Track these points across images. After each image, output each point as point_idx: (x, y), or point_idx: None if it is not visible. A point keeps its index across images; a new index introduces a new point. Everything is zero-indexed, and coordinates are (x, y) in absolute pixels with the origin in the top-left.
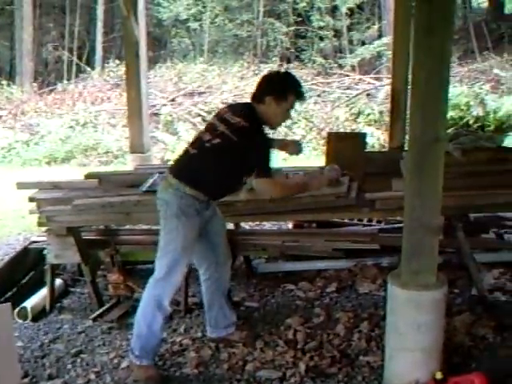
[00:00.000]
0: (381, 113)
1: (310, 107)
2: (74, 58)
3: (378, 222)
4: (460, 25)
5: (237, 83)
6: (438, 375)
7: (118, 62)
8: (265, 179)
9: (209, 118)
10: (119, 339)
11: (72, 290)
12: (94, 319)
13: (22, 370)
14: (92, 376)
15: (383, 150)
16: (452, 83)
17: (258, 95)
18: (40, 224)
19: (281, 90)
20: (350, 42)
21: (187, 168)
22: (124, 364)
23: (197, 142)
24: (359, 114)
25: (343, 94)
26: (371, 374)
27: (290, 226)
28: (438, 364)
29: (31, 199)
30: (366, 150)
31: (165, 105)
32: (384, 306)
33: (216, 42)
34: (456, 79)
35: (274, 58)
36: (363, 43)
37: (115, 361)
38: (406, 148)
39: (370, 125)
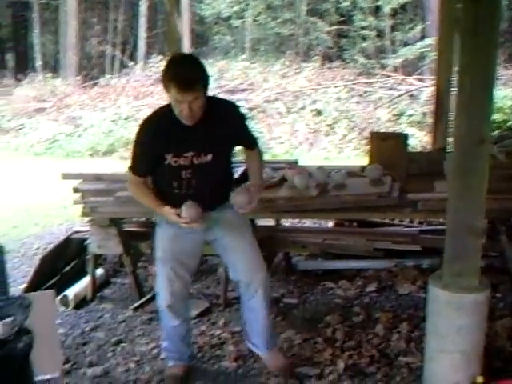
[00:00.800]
0: (423, 114)
1: (351, 107)
2: (117, 53)
3: (420, 223)
4: (505, 27)
5: (278, 81)
6: (479, 379)
7: (160, 57)
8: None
9: (250, 115)
10: (159, 330)
11: (113, 280)
12: (135, 309)
13: (64, 355)
14: (132, 365)
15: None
16: (497, 86)
17: None
18: (84, 214)
19: (163, 78)
20: (393, 42)
21: None
22: (163, 355)
23: None
24: (401, 114)
25: (385, 95)
26: (410, 375)
27: (331, 224)
28: (478, 368)
29: (75, 190)
30: (409, 151)
31: None
32: (424, 308)
33: (258, 39)
34: (501, 82)
35: (315, 57)
36: (406, 44)
37: (154, 351)
38: (449, 149)
39: (411, 126)
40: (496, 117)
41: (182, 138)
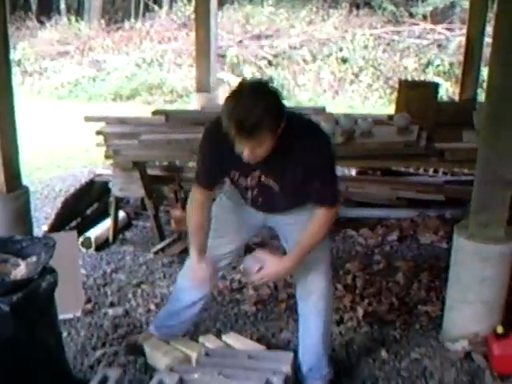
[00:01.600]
0: (451, 64)
1: (378, 55)
2: None
3: (444, 174)
4: None
5: (305, 28)
6: (499, 329)
7: (185, 1)
8: None
9: (275, 61)
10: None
11: (134, 223)
12: (156, 253)
13: (86, 296)
14: (152, 306)
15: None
16: None
17: None
18: (107, 157)
19: (222, 109)
20: None
21: None
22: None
23: None
24: (428, 64)
25: (413, 44)
26: (429, 324)
27: (354, 172)
28: (499, 319)
29: (99, 132)
30: (437, 100)
31: (231, 46)
32: (446, 258)
33: None
34: None
35: (343, 4)
36: None
37: None
38: (478, 100)
39: (438, 76)
40: None
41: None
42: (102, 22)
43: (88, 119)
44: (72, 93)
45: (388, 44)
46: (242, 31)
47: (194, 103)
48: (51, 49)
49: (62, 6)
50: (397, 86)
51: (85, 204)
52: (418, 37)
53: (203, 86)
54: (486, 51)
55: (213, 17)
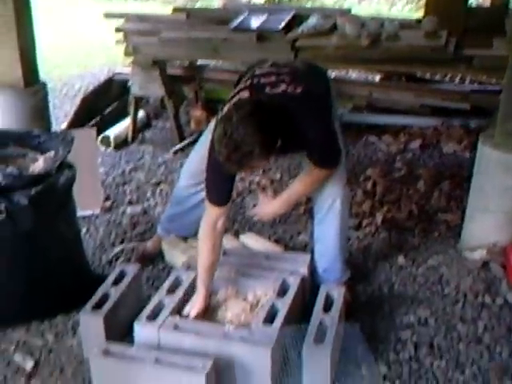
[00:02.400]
0: None
1: None
2: None
3: (471, 82)
4: None
5: None
6: None
7: None
8: None
9: None
10: None
11: (154, 123)
12: (175, 152)
13: (104, 193)
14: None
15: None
16: None
17: None
18: (126, 54)
19: (213, 133)
20: None
21: None
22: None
23: None
24: None
25: None
26: (448, 232)
27: (378, 78)
28: None
29: (118, 29)
30: (468, 5)
31: None
32: (468, 168)
33: None
34: None
35: None
36: None
37: None
38: None
39: None
40: None
41: None
42: None
43: (108, 15)
44: None
45: None
46: None
47: (215, 1)
48: None
49: None
50: None
51: (104, 103)
52: None
53: None
54: None
55: None
